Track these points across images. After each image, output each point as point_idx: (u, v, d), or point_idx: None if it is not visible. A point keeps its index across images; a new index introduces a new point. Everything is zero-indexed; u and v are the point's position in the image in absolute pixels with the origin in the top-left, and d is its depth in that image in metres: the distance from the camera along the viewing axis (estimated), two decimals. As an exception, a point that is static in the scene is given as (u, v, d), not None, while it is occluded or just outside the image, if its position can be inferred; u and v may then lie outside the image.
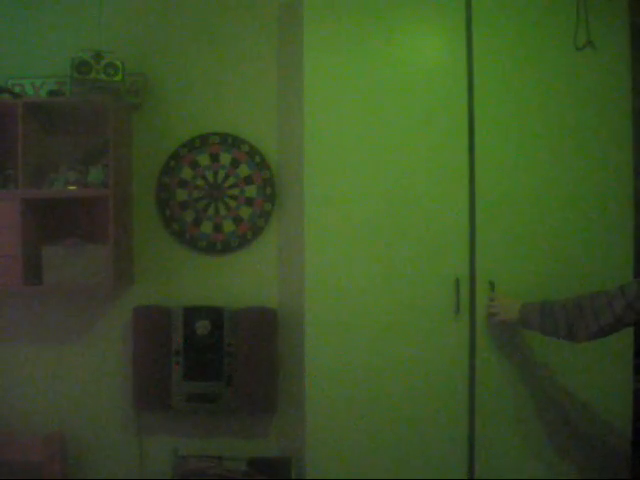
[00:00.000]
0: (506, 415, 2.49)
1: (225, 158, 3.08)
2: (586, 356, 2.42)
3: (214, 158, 3.08)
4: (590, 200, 2.50)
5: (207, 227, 3.09)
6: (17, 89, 3.04)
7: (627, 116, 2.49)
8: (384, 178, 2.55)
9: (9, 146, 2.90)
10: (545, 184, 2.50)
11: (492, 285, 2.47)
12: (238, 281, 3.08)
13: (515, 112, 2.51)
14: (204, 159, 3.08)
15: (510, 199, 2.51)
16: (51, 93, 2.95)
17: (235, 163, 3.08)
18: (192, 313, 2.94)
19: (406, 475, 2.51)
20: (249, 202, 3.07)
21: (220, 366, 2.92)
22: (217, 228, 3.08)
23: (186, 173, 3.09)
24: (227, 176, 3.08)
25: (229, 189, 3.08)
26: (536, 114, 2.51)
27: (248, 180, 3.07)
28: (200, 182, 3.08)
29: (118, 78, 2.85)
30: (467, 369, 2.52)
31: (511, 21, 2.52)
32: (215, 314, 2.93)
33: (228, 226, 3.08)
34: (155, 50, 3.11)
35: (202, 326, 2.92)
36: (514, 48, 2.52)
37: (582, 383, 2.47)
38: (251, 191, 3.08)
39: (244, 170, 3.07)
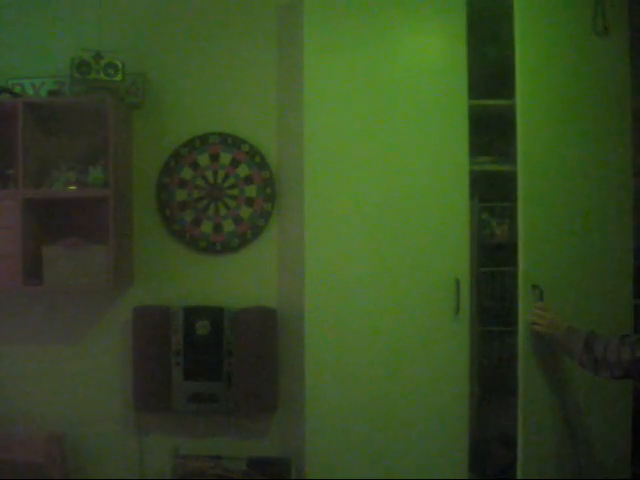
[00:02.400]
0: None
1: (225, 158, 3.08)
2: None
3: (214, 158, 3.08)
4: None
5: (207, 227, 3.08)
6: (17, 89, 3.03)
7: (627, 115, 2.50)
8: (384, 178, 2.56)
9: (9, 146, 2.90)
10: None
11: (539, 289, 2.40)
12: (238, 281, 3.08)
13: (550, 107, 2.48)
14: (204, 159, 3.08)
15: (550, 197, 2.45)
16: (51, 93, 2.95)
17: (235, 163, 3.07)
18: (192, 313, 2.94)
19: (406, 475, 2.51)
20: (249, 202, 3.07)
21: (220, 366, 2.92)
22: (217, 228, 3.08)
23: (186, 173, 3.09)
24: (227, 176, 3.08)
25: (229, 189, 3.08)
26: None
27: (248, 180, 3.07)
28: (200, 182, 3.08)
29: (118, 78, 2.85)
30: (467, 369, 2.53)
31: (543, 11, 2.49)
32: (215, 314, 2.93)
33: (228, 226, 3.08)
34: (155, 50, 3.10)
35: (202, 326, 2.92)
36: (549, 42, 2.48)
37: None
38: (251, 191, 3.07)
39: (244, 170, 3.07)
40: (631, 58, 2.50)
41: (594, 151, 2.50)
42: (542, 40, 2.46)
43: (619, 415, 2.48)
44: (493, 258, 2.77)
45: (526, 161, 2.41)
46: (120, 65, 2.85)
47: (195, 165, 3.09)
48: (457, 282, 2.51)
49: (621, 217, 2.51)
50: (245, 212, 3.07)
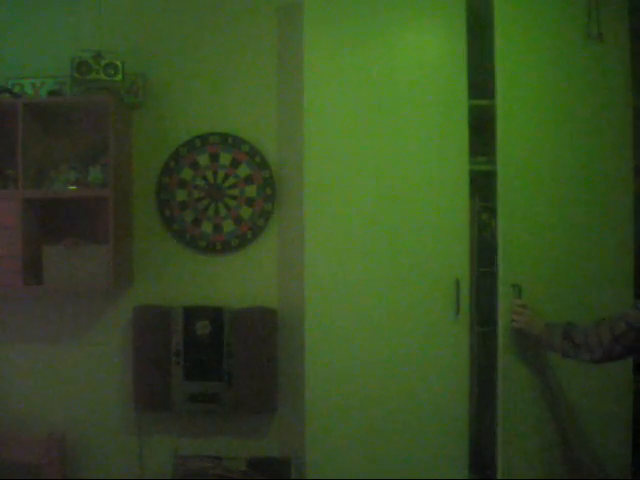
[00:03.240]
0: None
1: (225, 158, 3.08)
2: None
3: (214, 158, 3.08)
4: (590, 199, 2.51)
5: (207, 227, 3.09)
6: (17, 89, 3.03)
7: (627, 115, 2.50)
8: (384, 178, 2.56)
9: (9, 146, 2.90)
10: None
11: (518, 288, 2.44)
12: (238, 281, 3.08)
13: (535, 109, 2.51)
14: (204, 159, 3.08)
15: (531, 198, 2.49)
16: (51, 93, 2.95)
17: (235, 163, 3.08)
18: (192, 313, 2.94)
19: (406, 475, 2.51)
20: (249, 202, 3.07)
21: (220, 366, 2.92)
22: (217, 228, 3.08)
23: (186, 173, 3.09)
24: (227, 176, 3.08)
25: (229, 189, 3.08)
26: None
27: (248, 180, 3.07)
28: (200, 182, 3.08)
29: (118, 78, 2.85)
30: (467, 370, 2.53)
31: (528, 13, 2.51)
32: (215, 314, 2.93)
33: (228, 226, 3.08)
34: (155, 50, 3.10)
35: (202, 326, 2.92)
36: (534, 44, 2.51)
37: (582, 383, 2.47)
38: (251, 191, 3.08)
39: (244, 170, 3.07)
40: (632, 59, 2.50)
41: (592, 152, 2.51)
42: (526, 44, 2.49)
43: (619, 415, 2.48)
44: (493, 258, 2.77)
45: (509, 162, 2.46)
46: (120, 65, 2.85)
47: (195, 165, 3.09)
48: (457, 282, 2.51)
49: (621, 217, 2.51)
50: (245, 212, 3.07)
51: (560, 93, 2.51)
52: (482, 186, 2.71)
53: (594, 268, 2.50)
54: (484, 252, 2.76)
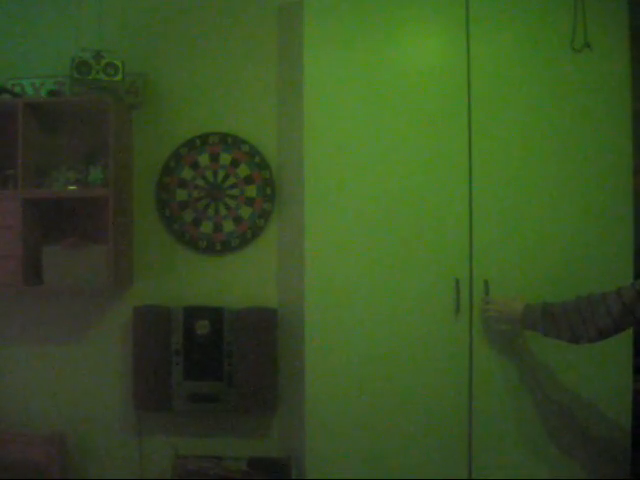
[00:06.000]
0: (505, 416, 2.50)
1: (225, 158, 3.08)
2: (586, 356, 2.43)
3: (214, 158, 3.08)
4: (590, 200, 2.50)
5: (207, 227, 3.09)
6: (17, 89, 3.04)
7: (627, 116, 2.50)
8: (384, 178, 2.56)
9: (9, 146, 2.90)
10: (544, 184, 2.51)
11: (486, 284, 2.47)
12: (238, 281, 3.08)
13: (513, 114, 2.52)
14: (204, 159, 3.08)
15: (508, 198, 2.51)
16: (51, 93, 2.95)
17: (235, 163, 3.08)
18: (192, 313, 2.94)
19: (406, 475, 2.51)
20: (249, 202, 3.07)
21: (220, 366, 2.92)
22: (217, 228, 3.08)
23: (186, 173, 3.09)
24: (227, 176, 3.08)
25: (229, 189, 3.08)
26: (535, 116, 2.51)
27: (248, 180, 3.07)
28: (200, 182, 3.08)
29: (118, 78, 2.85)
30: (467, 369, 2.53)
31: (509, 23, 2.53)
32: (215, 314, 2.93)
33: (228, 226, 3.08)
34: (155, 50, 3.11)
35: (202, 326, 2.92)
36: (511, 50, 2.52)
37: (582, 383, 2.48)
38: (251, 191, 3.08)
39: (244, 170, 3.07)
40: (631, 61, 2.50)
41: (589, 156, 2.51)
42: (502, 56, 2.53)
43: (619, 415, 2.48)
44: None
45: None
46: (120, 65, 2.85)
47: (195, 165, 3.09)
48: (457, 282, 2.51)
49: (621, 217, 2.50)
50: (245, 212, 3.07)
51: (546, 102, 2.51)
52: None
53: (594, 270, 2.49)
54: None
